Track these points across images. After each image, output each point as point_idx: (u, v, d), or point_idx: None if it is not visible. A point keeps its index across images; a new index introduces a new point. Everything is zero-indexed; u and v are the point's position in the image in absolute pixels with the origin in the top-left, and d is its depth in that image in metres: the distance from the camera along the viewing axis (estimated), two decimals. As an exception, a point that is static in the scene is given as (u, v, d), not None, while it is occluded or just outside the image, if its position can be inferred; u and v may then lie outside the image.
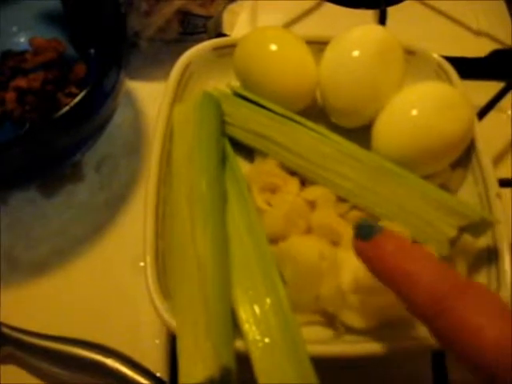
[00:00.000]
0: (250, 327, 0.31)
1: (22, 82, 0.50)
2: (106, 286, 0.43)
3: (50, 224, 0.46)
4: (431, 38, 0.50)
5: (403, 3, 0.60)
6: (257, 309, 0.32)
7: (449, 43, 0.53)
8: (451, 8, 0.59)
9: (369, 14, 0.60)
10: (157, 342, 0.41)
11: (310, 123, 0.40)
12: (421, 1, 0.61)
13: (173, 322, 0.32)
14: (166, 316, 0.32)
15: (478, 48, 0.55)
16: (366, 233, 0.29)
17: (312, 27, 0.43)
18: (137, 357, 0.39)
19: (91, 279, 0.44)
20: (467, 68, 0.47)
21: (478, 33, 0.57)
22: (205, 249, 0.33)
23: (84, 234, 0.46)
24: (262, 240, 0.35)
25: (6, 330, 0.41)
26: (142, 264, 0.43)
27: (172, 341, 0.40)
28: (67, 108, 0.40)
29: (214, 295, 0.31)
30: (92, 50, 0.49)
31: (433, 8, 0.60)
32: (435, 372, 0.38)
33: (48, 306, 0.43)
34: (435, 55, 0.44)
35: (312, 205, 0.38)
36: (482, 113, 0.47)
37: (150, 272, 0.34)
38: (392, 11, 0.59)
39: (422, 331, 0.33)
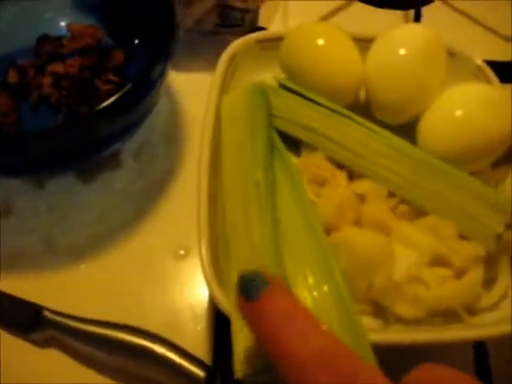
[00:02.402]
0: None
1: (58, 67, 0.50)
2: (145, 272, 0.44)
3: (88, 210, 0.47)
4: (458, 41, 0.51)
5: (431, 6, 0.62)
6: (316, 295, 0.33)
7: (477, 47, 0.54)
8: (479, 12, 0.61)
9: (398, 14, 0.61)
10: (198, 328, 0.41)
11: (358, 117, 0.41)
12: (448, 4, 0.62)
13: (228, 307, 0.33)
14: (223, 301, 0.33)
15: (507, 53, 0.56)
16: (249, 290, 0.25)
17: (341, 26, 0.44)
18: (178, 343, 0.39)
19: (130, 266, 0.44)
20: (496, 72, 0.48)
21: (507, 38, 0.59)
22: (262, 238, 0.34)
23: (122, 220, 0.46)
24: (318, 229, 0.35)
25: (47, 314, 0.41)
26: (182, 252, 0.45)
27: (215, 327, 0.41)
28: (113, 98, 0.40)
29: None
30: (136, 40, 0.49)
31: (460, 11, 0.61)
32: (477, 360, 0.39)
33: (86, 290, 0.43)
34: (475, 58, 0.45)
35: (361, 198, 0.39)
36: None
37: (206, 260, 0.34)
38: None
39: (470, 322, 0.35)
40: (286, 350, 0.23)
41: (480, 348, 0.40)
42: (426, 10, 0.61)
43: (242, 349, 0.30)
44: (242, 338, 0.30)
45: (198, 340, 0.41)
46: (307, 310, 0.25)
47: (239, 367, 0.30)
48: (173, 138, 0.51)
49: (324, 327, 0.25)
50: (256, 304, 0.25)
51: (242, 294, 0.26)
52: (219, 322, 0.41)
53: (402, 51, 0.41)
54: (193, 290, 0.43)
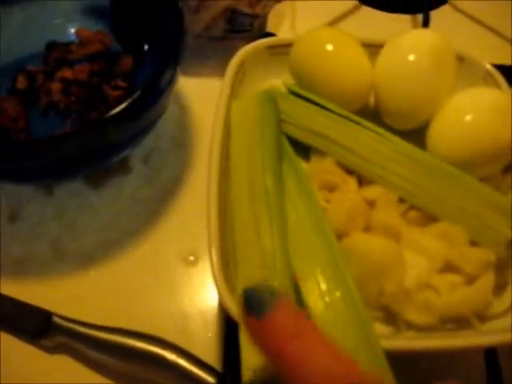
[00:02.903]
0: (321, 321, 0.32)
1: (68, 73, 0.50)
2: (154, 278, 0.44)
3: (97, 216, 0.47)
4: (467, 46, 0.51)
5: (439, 10, 0.62)
6: (328, 301, 0.32)
7: (485, 51, 0.54)
8: (488, 16, 0.61)
9: (406, 19, 0.61)
10: (209, 334, 0.41)
11: (367, 123, 0.41)
12: (457, 8, 0.62)
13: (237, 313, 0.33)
14: (233, 307, 0.33)
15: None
16: (256, 307, 0.26)
17: (349, 32, 0.44)
18: (189, 350, 0.39)
19: (139, 272, 0.44)
20: (506, 76, 0.48)
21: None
22: (272, 245, 0.34)
23: (131, 226, 0.46)
24: (329, 234, 0.35)
25: (57, 320, 0.41)
26: (191, 258, 0.45)
27: (225, 333, 0.41)
28: (123, 105, 0.40)
29: (284, 290, 0.32)
30: (145, 46, 0.49)
31: (469, 15, 0.61)
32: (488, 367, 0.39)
33: (96, 297, 0.43)
34: (484, 62, 0.45)
35: (371, 204, 0.39)
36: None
37: (216, 265, 0.34)
38: (427, 17, 0.60)
39: (480, 328, 0.35)
40: (291, 365, 0.24)
41: (491, 354, 0.40)
42: (434, 15, 0.61)
43: (249, 354, 0.30)
44: (250, 344, 0.30)
45: (208, 346, 0.41)
46: (313, 325, 0.26)
47: (247, 373, 0.29)
48: (182, 143, 0.51)
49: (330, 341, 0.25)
50: (262, 321, 0.25)
51: (246, 310, 0.26)
52: (230, 329, 0.41)
53: (411, 57, 0.41)
54: (203, 296, 0.43)
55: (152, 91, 0.42)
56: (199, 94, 0.53)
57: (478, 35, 0.60)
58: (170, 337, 0.40)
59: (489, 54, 0.52)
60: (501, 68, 0.47)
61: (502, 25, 0.61)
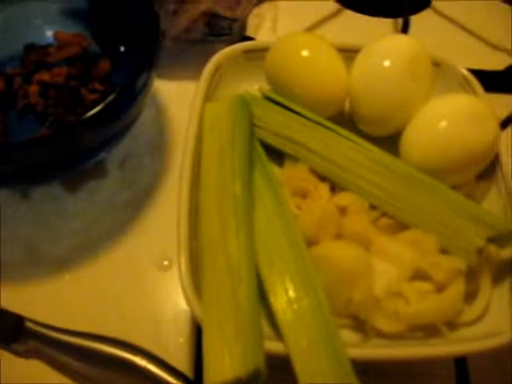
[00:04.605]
0: (289, 329, 0.32)
1: (45, 76, 0.50)
2: (128, 283, 0.44)
3: (73, 220, 0.47)
4: (448, 50, 0.51)
5: (421, 14, 0.62)
6: (296, 308, 0.32)
7: (466, 56, 0.54)
8: (469, 21, 0.61)
9: (387, 23, 0.61)
10: (181, 340, 0.41)
11: (341, 130, 0.40)
12: (439, 12, 0.62)
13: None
14: (200, 313, 0.33)
15: (496, 62, 0.56)
16: None
17: (331, 34, 0.44)
18: (160, 355, 0.39)
19: (114, 276, 0.44)
20: (485, 81, 0.47)
21: (496, 47, 0.59)
22: (238, 252, 0.34)
23: (107, 230, 0.46)
24: (299, 242, 0.35)
25: (29, 325, 0.41)
26: (165, 263, 0.45)
27: (196, 340, 0.41)
28: (98, 108, 0.40)
29: (248, 297, 0.32)
30: (122, 48, 0.49)
31: (451, 20, 0.61)
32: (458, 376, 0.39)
33: (70, 301, 0.43)
34: (461, 68, 0.45)
35: (342, 211, 0.38)
36: (503, 125, 0.48)
37: (185, 272, 0.34)
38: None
39: (450, 337, 0.35)
40: None
41: (461, 362, 0.40)
42: (415, 18, 0.61)
43: (212, 366, 0.30)
44: (213, 355, 0.31)
45: (179, 352, 0.41)
46: None
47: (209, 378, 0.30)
48: (158, 147, 0.51)
49: None
50: None
51: None
52: (202, 335, 0.41)
53: (386, 62, 0.41)
54: (176, 302, 0.43)
55: (127, 94, 0.42)
56: (177, 98, 0.53)
57: (459, 39, 0.60)
58: (142, 342, 0.39)
59: (469, 58, 0.52)
60: (480, 73, 0.46)
61: (484, 29, 0.61)
